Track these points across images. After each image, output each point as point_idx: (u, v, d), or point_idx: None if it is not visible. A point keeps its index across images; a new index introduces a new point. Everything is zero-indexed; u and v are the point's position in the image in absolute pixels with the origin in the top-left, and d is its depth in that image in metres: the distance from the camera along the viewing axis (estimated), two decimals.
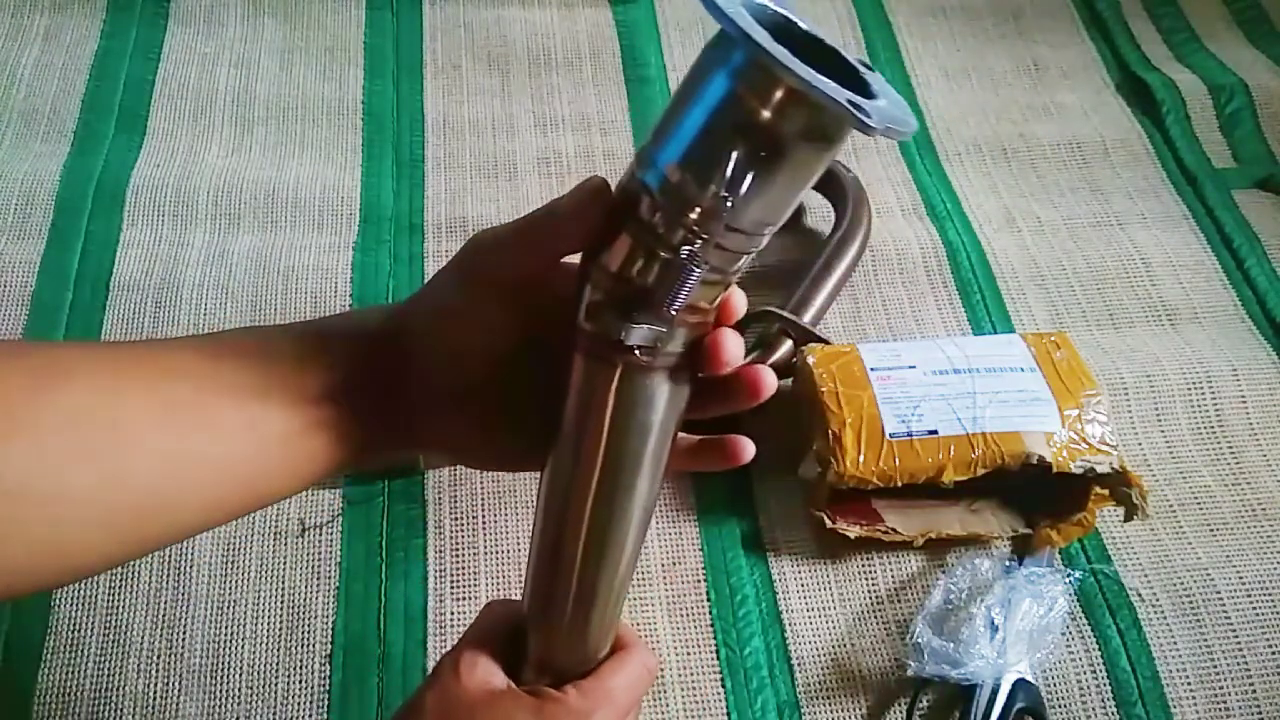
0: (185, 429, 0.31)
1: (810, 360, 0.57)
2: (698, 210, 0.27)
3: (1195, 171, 0.78)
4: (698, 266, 0.28)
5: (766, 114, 0.26)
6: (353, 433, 0.34)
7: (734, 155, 0.26)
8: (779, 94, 0.25)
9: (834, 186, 0.70)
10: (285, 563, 0.55)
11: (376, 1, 0.83)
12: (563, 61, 0.81)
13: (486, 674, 0.37)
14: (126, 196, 0.68)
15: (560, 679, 0.37)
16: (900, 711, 0.52)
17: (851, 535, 0.55)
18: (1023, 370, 0.57)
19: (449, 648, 0.38)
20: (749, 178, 0.27)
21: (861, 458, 0.53)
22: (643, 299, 0.29)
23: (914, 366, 0.57)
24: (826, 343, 0.61)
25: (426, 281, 0.36)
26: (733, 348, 0.32)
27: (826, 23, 0.86)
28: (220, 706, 0.50)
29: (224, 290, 0.64)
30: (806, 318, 0.63)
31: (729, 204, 0.27)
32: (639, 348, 0.30)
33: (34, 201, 0.68)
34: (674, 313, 0.29)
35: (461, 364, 0.34)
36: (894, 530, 0.55)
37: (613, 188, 0.31)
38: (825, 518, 0.55)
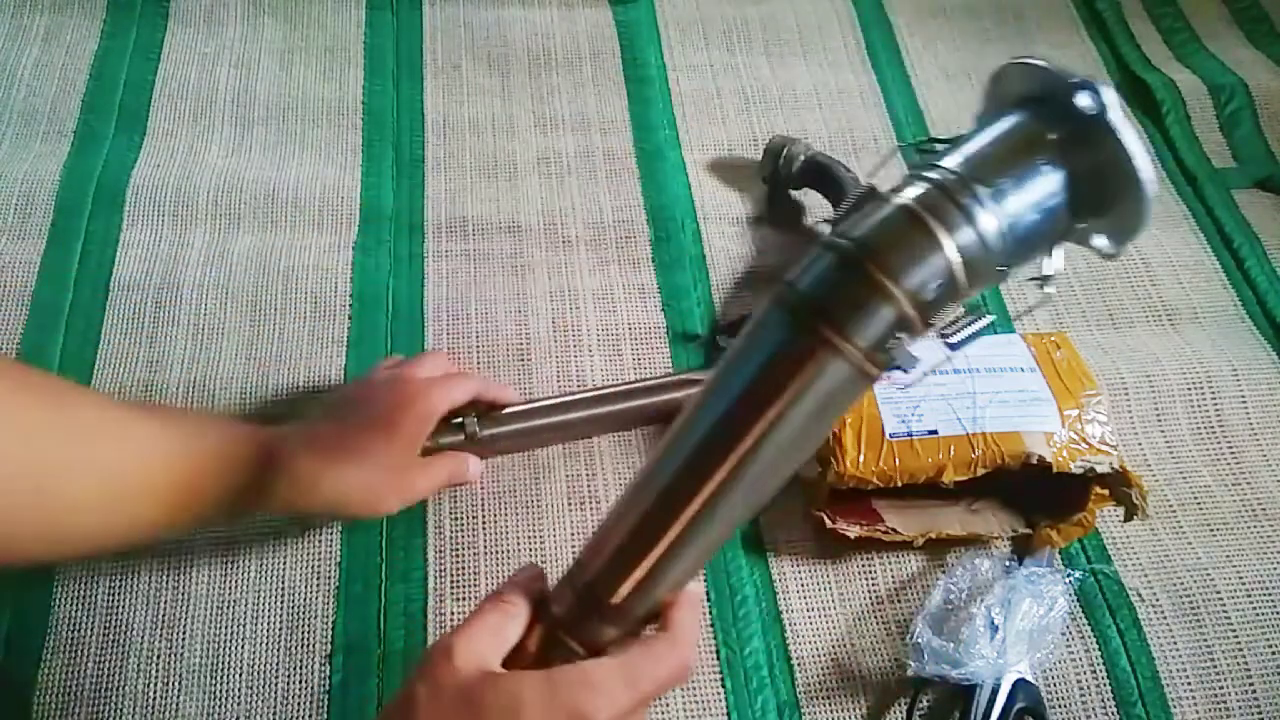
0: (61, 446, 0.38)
1: None
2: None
3: (1195, 171, 0.78)
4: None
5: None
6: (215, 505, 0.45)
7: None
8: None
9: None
10: (285, 563, 0.55)
11: (376, 1, 0.83)
12: (563, 61, 0.81)
13: (482, 658, 0.35)
14: (126, 196, 0.68)
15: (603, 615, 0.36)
16: (900, 711, 0.52)
17: (851, 535, 0.55)
18: (1023, 370, 0.57)
19: None
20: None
21: (861, 458, 0.53)
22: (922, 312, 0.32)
23: None
24: None
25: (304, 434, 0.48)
26: None
27: (827, 23, 0.86)
28: (220, 706, 0.50)
29: (224, 290, 0.64)
30: None
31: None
32: (877, 344, 0.32)
33: (34, 201, 0.67)
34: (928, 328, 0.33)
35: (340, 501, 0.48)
36: (894, 530, 0.55)
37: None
38: (825, 518, 0.55)
